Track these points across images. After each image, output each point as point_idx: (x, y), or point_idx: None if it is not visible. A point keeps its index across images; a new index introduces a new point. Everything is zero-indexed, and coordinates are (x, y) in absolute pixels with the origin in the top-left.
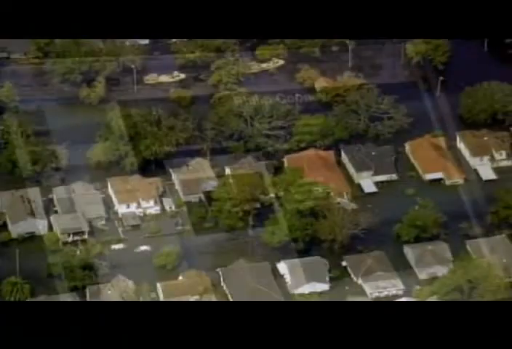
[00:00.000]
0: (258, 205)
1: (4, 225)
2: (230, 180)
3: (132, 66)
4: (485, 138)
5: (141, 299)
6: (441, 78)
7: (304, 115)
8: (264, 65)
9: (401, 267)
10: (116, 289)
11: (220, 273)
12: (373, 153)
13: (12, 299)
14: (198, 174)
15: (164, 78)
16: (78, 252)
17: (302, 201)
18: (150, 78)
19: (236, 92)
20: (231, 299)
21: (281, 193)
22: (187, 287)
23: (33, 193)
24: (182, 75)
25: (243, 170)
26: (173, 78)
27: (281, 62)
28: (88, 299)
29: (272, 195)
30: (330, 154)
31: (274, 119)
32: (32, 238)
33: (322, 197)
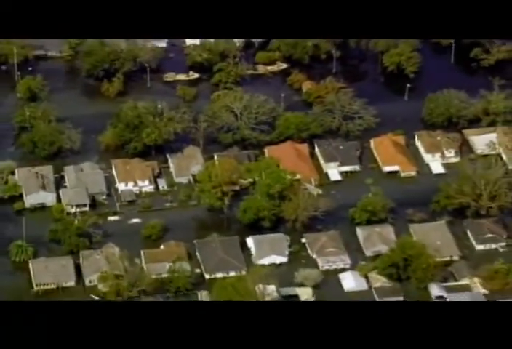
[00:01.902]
0: (237, 188)
1: (20, 196)
2: (214, 165)
3: (146, 65)
4: (438, 138)
5: (125, 264)
6: (409, 85)
7: (287, 113)
8: (269, 68)
9: (352, 245)
10: (104, 254)
11: (196, 244)
12: (340, 147)
13: (18, 259)
14: (190, 159)
15: (181, 77)
16: (76, 222)
17: (271, 185)
18: (169, 76)
19: (233, 91)
20: (202, 267)
21: (257, 178)
22: (164, 255)
23: (47, 170)
24: (197, 75)
25: (228, 157)
26: (188, 76)
27: (285, 65)
28: (81, 261)
29: (250, 179)
30: (304, 146)
31: (260, 115)
32: (42, 208)
33: (289, 183)
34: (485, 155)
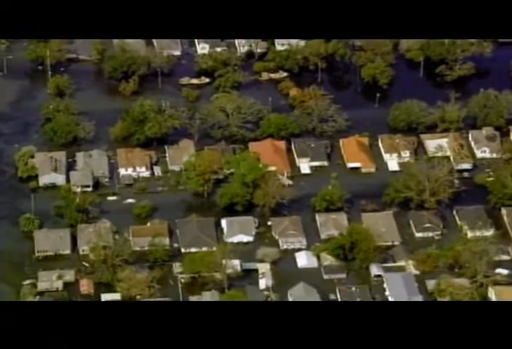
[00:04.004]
0: (221, 176)
1: (36, 176)
2: (198, 156)
3: (158, 69)
4: (397, 140)
5: (114, 237)
6: (379, 94)
7: (271, 114)
8: (272, 75)
9: (311, 229)
10: (97, 228)
11: (177, 222)
12: (312, 145)
13: (26, 229)
14: (184, 150)
15: (194, 81)
16: (77, 199)
17: (246, 175)
18: (184, 80)
19: (229, 94)
20: (180, 242)
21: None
22: (149, 231)
23: (60, 155)
24: (208, 79)
25: (215, 150)
26: (200, 81)
27: (285, 74)
28: (77, 234)
29: (233, 170)
30: (282, 143)
31: (247, 115)
32: (53, 187)
33: (261, 173)
34: (436, 157)
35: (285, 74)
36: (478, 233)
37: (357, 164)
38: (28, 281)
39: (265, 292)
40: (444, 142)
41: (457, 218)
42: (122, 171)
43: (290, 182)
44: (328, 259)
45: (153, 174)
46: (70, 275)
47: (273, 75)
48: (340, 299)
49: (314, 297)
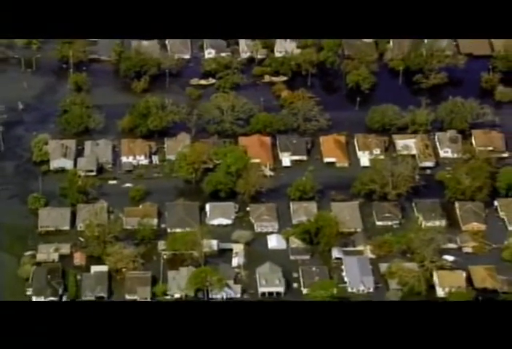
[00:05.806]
0: (211, 166)
1: (47, 161)
2: (189, 148)
3: (167, 70)
4: (370, 139)
5: (108, 216)
6: (359, 98)
7: (261, 113)
8: (273, 78)
9: (285, 215)
10: (94, 208)
11: (166, 205)
12: (294, 141)
13: (33, 207)
14: (180, 142)
15: (202, 82)
16: (79, 182)
17: (230, 165)
18: (194, 81)
19: (226, 94)
20: (167, 223)
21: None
22: (140, 212)
23: (70, 143)
24: (214, 80)
25: (207, 143)
26: (208, 81)
27: (285, 78)
28: (77, 212)
29: (220, 160)
30: (267, 139)
31: (240, 113)
32: (62, 171)
33: (243, 164)
34: (403, 155)
35: (285, 78)
36: (431, 224)
37: (333, 159)
38: (28, 252)
39: (236, 269)
40: (411, 142)
41: (414, 210)
42: (124, 159)
43: (272, 174)
44: (295, 242)
45: (151, 162)
46: (66, 249)
47: (274, 79)
48: (301, 277)
49: (278, 274)
